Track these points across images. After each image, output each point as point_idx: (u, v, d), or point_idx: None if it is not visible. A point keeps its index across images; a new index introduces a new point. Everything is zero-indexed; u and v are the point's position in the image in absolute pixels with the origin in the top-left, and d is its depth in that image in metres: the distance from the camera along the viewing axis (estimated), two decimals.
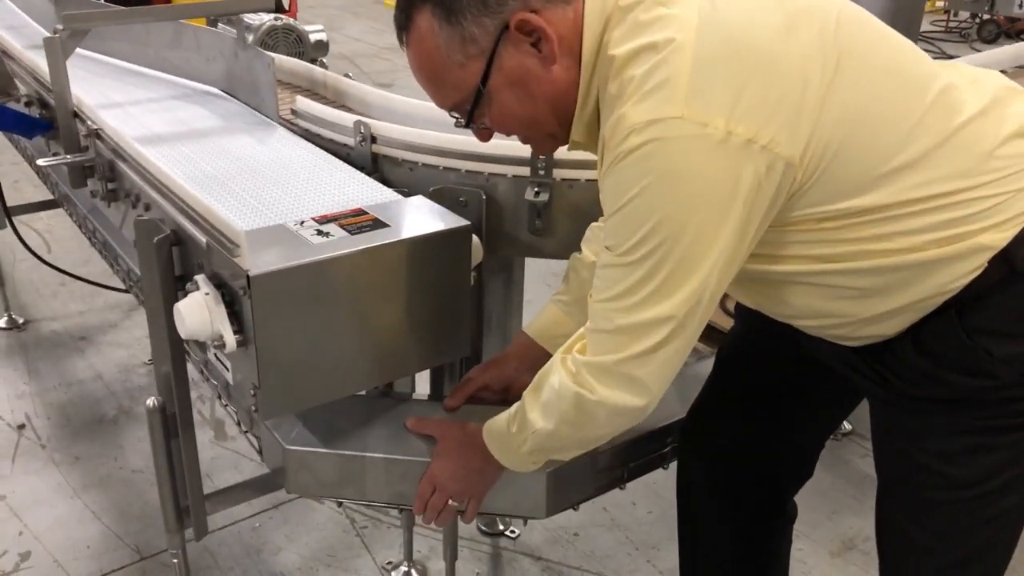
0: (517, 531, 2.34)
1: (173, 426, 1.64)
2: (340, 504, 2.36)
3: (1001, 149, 1.13)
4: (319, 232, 1.39)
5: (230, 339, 1.32)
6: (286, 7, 2.07)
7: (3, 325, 3.18)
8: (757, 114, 1.03)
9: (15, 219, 2.97)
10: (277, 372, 1.34)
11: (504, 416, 1.34)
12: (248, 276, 1.25)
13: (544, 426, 1.25)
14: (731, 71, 1.04)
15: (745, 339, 1.59)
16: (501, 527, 2.36)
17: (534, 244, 1.70)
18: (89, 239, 2.50)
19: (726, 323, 1.70)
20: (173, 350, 1.58)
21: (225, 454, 2.55)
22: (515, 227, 1.69)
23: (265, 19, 2.69)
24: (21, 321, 3.21)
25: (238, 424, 1.81)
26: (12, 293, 3.29)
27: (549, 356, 1.43)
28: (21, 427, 2.66)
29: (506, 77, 1.15)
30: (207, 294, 1.33)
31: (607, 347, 1.16)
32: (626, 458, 1.64)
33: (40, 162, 1.82)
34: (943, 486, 1.24)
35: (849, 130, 1.07)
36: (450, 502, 1.42)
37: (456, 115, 1.24)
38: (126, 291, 2.42)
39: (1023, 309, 1.13)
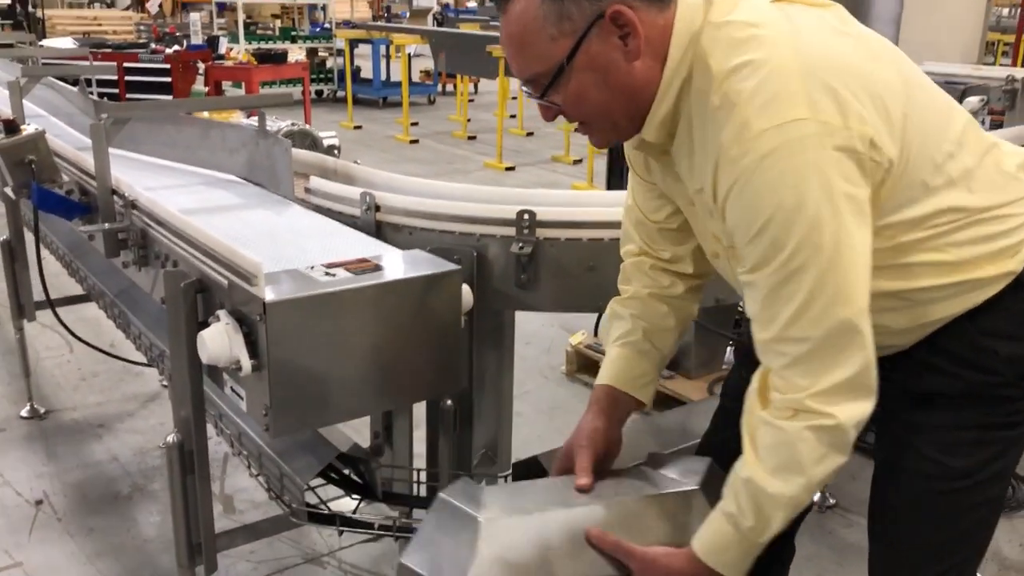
0: None
1: (190, 463, 1.78)
2: (340, 566, 2.46)
3: (1020, 173, 1.31)
4: (327, 273, 1.59)
5: (246, 363, 1.49)
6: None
7: (25, 414, 3.33)
8: (866, 117, 1.14)
9: (44, 313, 3.16)
10: (287, 393, 1.51)
11: (716, 526, 1.24)
12: (264, 303, 1.44)
13: (792, 491, 1.19)
14: (837, 82, 1.14)
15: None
16: None
17: (520, 297, 1.89)
18: (115, 322, 2.70)
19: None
20: (194, 392, 1.75)
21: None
22: (503, 282, 1.88)
23: (282, 124, 2.97)
24: (43, 411, 3.37)
25: (268, 491, 1.91)
26: (35, 386, 3.46)
27: (635, 401, 1.52)
28: (39, 503, 2.79)
29: (590, 61, 1.21)
30: (227, 324, 1.51)
31: (810, 372, 1.16)
32: None
33: (82, 228, 2.04)
34: (941, 475, 1.34)
35: (918, 142, 1.20)
36: None
37: (528, 88, 1.28)
38: (149, 364, 2.59)
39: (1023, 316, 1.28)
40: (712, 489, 1.33)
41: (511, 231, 1.84)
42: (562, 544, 1.28)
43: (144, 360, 2.65)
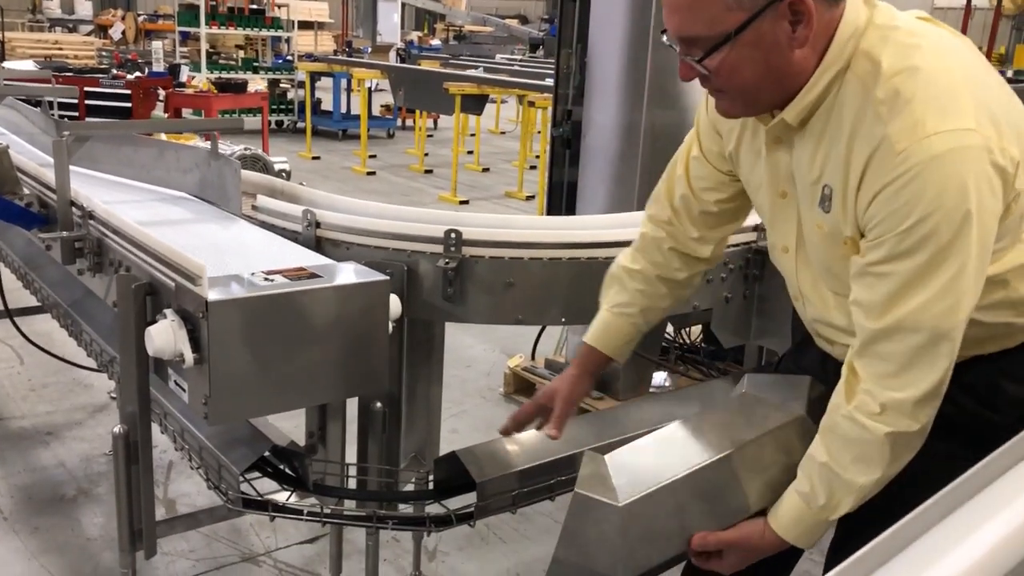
0: None
1: (134, 453, 1.93)
2: (276, 565, 2.60)
3: None
4: (266, 279, 1.76)
5: (189, 356, 1.65)
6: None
7: None
8: (1012, 142, 1.22)
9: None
10: (225, 385, 1.67)
11: (795, 502, 1.35)
12: (207, 302, 1.61)
13: (865, 481, 1.28)
14: (994, 106, 1.23)
15: None
16: None
17: (447, 309, 2.07)
18: (68, 331, 2.82)
19: None
20: (140, 386, 1.90)
21: None
22: (432, 295, 2.06)
23: (236, 148, 3.14)
24: None
25: (207, 480, 2.05)
26: None
27: (608, 361, 1.69)
28: None
29: (757, 39, 1.25)
30: (173, 320, 1.68)
31: (905, 375, 1.24)
32: (517, 485, 1.95)
33: (41, 235, 2.19)
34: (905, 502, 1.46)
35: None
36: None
37: (680, 47, 1.31)
38: (99, 370, 2.72)
39: None
40: (816, 410, 1.44)
41: (439, 248, 2.03)
42: (695, 502, 1.41)
43: (94, 365, 2.77)
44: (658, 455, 1.46)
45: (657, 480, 1.39)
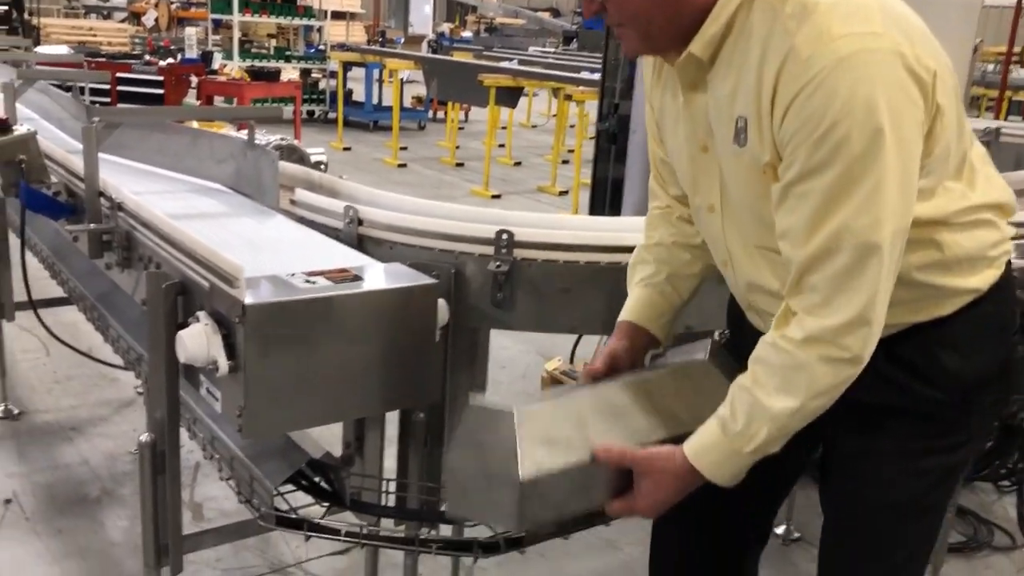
0: None
1: (161, 464, 1.80)
2: None
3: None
4: (307, 281, 1.63)
5: (223, 364, 1.52)
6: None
7: None
8: (930, 56, 1.18)
9: (22, 315, 3.18)
10: (262, 396, 1.54)
11: (711, 427, 1.30)
12: (244, 305, 1.48)
13: (788, 405, 1.23)
14: (909, 28, 1.19)
15: None
16: None
17: (496, 315, 1.93)
18: (94, 324, 2.71)
19: None
20: (170, 393, 1.78)
21: None
22: (480, 299, 1.92)
23: (271, 139, 3.01)
24: (16, 412, 3.37)
25: (238, 494, 1.93)
26: (10, 387, 3.46)
27: (652, 337, 1.58)
28: (7, 502, 2.79)
29: None
30: (207, 324, 1.55)
31: (835, 298, 1.19)
32: None
33: (68, 227, 2.07)
34: (881, 507, 1.41)
35: (954, 123, 1.24)
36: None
37: None
38: (125, 368, 2.61)
39: (978, 328, 1.33)
40: (720, 361, 1.45)
41: (489, 250, 1.89)
42: (596, 417, 1.37)
43: (121, 363, 2.66)
44: (556, 398, 1.47)
45: (554, 399, 1.41)
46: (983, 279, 1.33)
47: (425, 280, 1.70)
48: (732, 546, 1.69)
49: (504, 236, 1.87)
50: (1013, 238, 1.40)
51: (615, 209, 3.60)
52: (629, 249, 1.91)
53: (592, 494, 1.35)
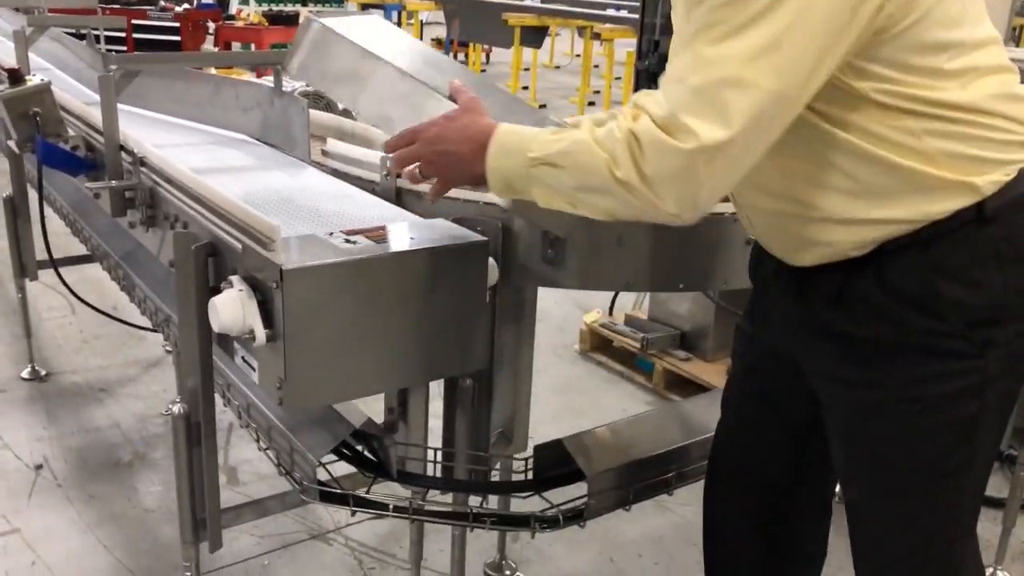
0: (523, 575, 2.35)
1: (196, 435, 1.70)
2: (347, 544, 2.39)
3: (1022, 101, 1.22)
4: (347, 240, 1.49)
5: (260, 333, 1.40)
6: None
7: (26, 376, 3.26)
8: None
9: (46, 273, 3.08)
10: (302, 366, 1.42)
11: (520, 128, 1.29)
12: (281, 270, 1.35)
13: (596, 151, 1.17)
14: None
15: (748, 384, 1.64)
16: (508, 572, 2.37)
17: (546, 273, 1.79)
18: (119, 284, 2.61)
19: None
20: (203, 361, 1.66)
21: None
22: (529, 257, 1.78)
23: (296, 85, 2.86)
24: (44, 373, 3.29)
25: (278, 466, 1.83)
26: (36, 347, 3.38)
27: None
28: (39, 467, 2.72)
29: None
30: (241, 290, 1.42)
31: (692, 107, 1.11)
32: (631, 479, 1.70)
33: (88, 185, 1.94)
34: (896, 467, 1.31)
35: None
36: (417, 169, 1.40)
37: None
38: (154, 330, 2.51)
39: (981, 255, 1.19)
40: None
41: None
42: None
43: (149, 325, 2.56)
44: None
45: None
46: (986, 181, 1.18)
47: (474, 237, 1.57)
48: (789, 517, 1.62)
49: None
50: None
51: None
52: None
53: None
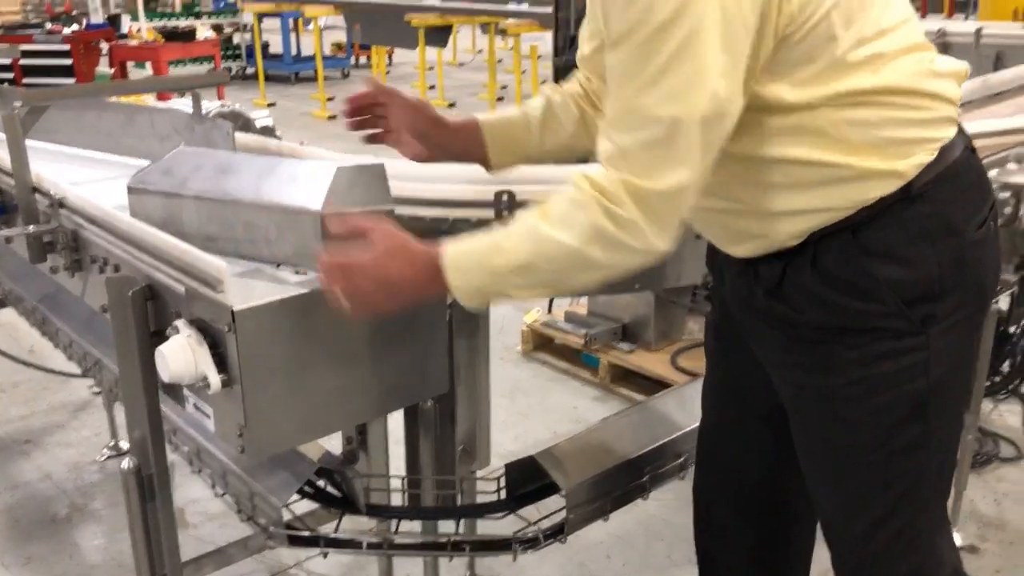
0: None
1: (149, 489, 1.60)
2: None
3: (939, 78, 1.23)
4: (297, 271, 1.42)
5: (215, 379, 1.31)
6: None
7: None
8: None
9: None
10: (263, 410, 1.34)
11: (480, 235, 1.23)
12: (232, 311, 1.27)
13: (562, 237, 1.15)
14: None
15: (718, 374, 1.64)
16: None
17: None
18: (39, 329, 2.45)
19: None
20: (150, 410, 1.56)
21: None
22: None
23: (212, 106, 2.74)
24: None
25: (239, 512, 1.72)
26: None
27: (479, 147, 1.56)
28: None
29: None
30: (189, 336, 1.33)
31: (642, 163, 1.12)
32: (609, 488, 1.67)
33: (3, 232, 1.81)
34: (850, 444, 1.32)
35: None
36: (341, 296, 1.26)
37: None
38: (83, 376, 2.37)
39: (911, 232, 1.20)
40: None
41: (489, 213, 1.70)
42: None
43: (74, 370, 2.42)
44: None
45: None
46: (908, 165, 1.19)
47: None
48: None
49: (505, 197, 1.68)
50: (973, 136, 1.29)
51: None
52: None
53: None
